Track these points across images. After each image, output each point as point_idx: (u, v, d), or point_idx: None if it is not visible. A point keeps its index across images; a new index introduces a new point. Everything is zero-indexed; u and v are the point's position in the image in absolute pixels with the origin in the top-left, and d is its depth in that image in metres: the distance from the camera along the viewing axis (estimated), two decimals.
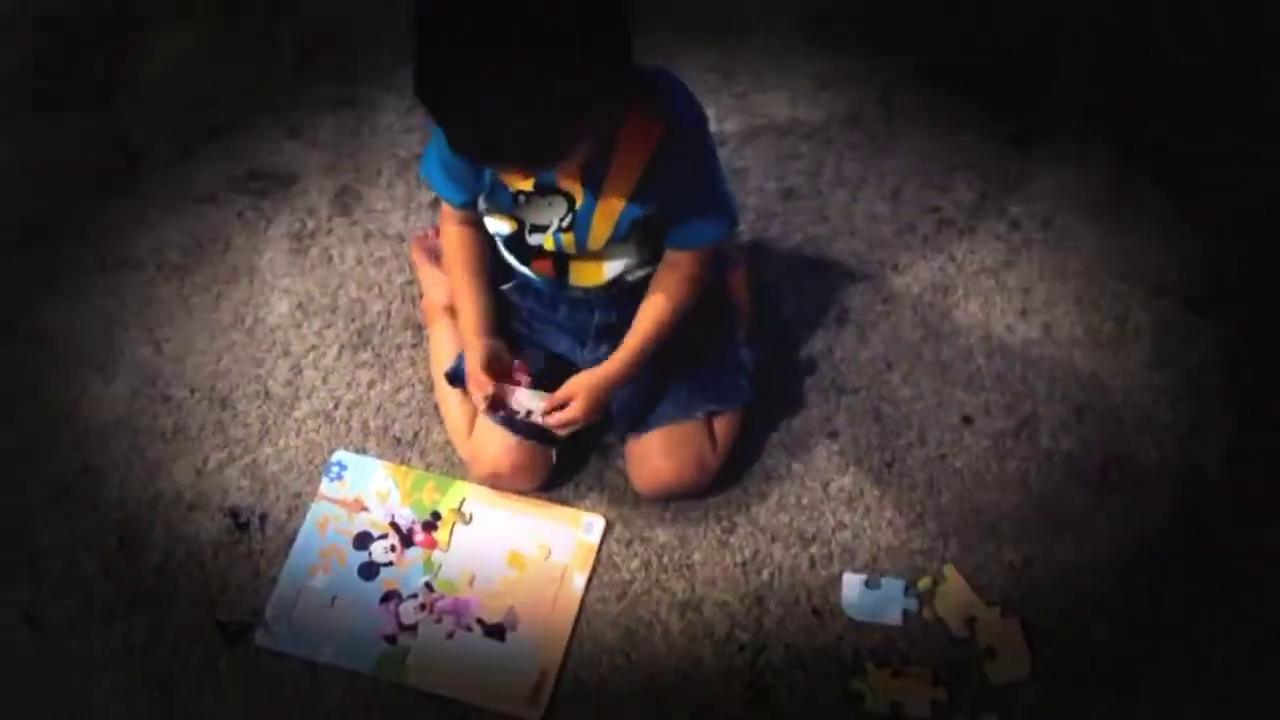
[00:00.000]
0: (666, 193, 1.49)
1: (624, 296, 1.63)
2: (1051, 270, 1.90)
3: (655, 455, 1.67)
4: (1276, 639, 1.58)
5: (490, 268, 1.67)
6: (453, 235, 1.66)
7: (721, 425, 1.71)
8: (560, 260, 1.60)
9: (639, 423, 1.69)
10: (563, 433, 1.61)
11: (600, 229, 1.52)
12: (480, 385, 1.58)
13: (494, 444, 1.67)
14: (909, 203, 1.98)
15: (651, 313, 1.59)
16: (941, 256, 1.92)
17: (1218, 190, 1.98)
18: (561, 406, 1.58)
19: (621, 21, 1.29)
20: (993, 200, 1.97)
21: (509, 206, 1.54)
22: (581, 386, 1.57)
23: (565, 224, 1.52)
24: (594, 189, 1.48)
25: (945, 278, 1.90)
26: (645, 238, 1.56)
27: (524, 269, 1.65)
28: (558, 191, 1.49)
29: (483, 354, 1.59)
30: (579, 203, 1.50)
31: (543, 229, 1.54)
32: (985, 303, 1.87)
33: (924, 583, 1.64)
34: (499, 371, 1.60)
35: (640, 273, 1.62)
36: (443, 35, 1.24)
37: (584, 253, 1.56)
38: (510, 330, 1.70)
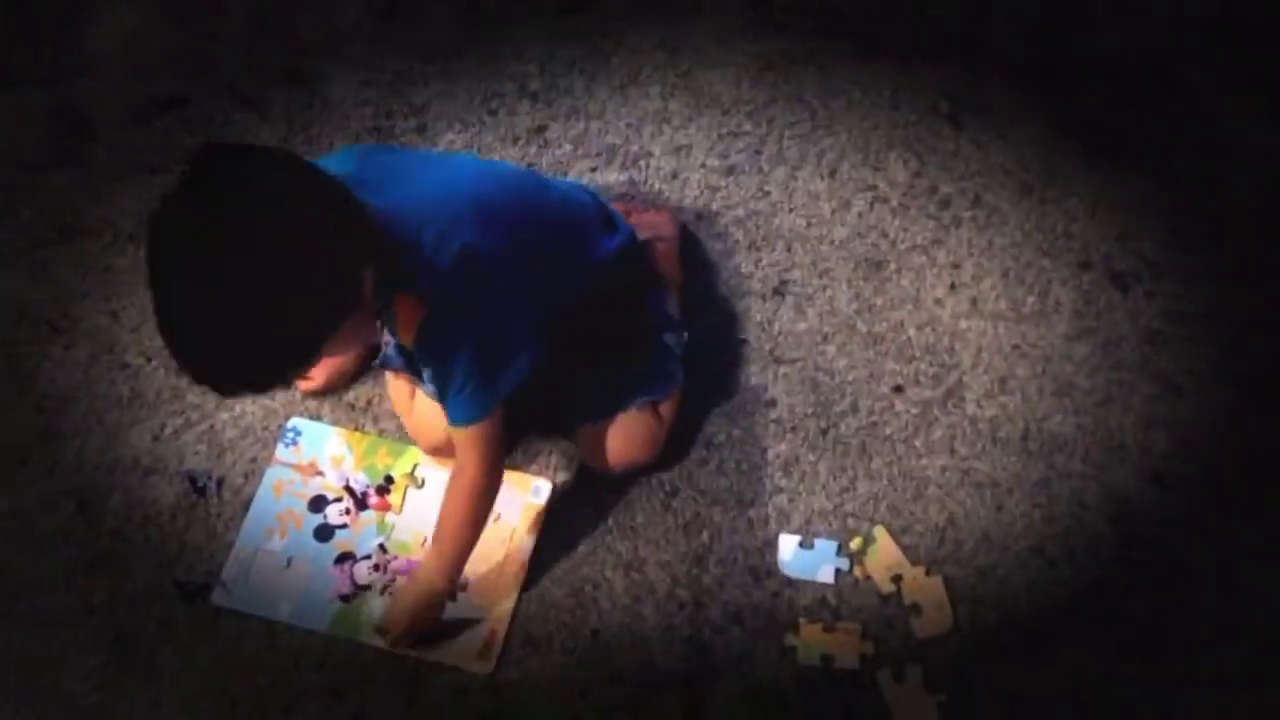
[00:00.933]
0: (431, 364, 1.54)
1: None
2: (979, 246, 1.97)
3: (608, 442, 1.72)
4: (1186, 596, 1.67)
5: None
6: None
7: (664, 404, 1.76)
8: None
9: (584, 418, 1.74)
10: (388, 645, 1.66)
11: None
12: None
13: (435, 420, 1.69)
14: (846, 181, 2.04)
15: (445, 528, 1.61)
16: (875, 233, 1.98)
17: (1144, 169, 2.04)
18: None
19: (350, 261, 1.29)
20: (925, 179, 2.03)
21: None
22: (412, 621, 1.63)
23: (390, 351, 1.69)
24: (390, 327, 1.52)
25: (879, 253, 1.97)
26: None
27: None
28: None
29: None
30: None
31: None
32: (916, 277, 1.94)
33: (855, 543, 1.72)
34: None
35: None
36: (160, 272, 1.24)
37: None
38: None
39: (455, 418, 1.53)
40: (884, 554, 1.71)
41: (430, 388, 1.63)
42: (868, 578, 1.70)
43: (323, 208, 1.28)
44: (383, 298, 1.39)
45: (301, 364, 1.31)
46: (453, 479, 1.59)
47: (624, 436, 1.72)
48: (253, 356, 1.25)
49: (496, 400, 1.52)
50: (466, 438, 1.54)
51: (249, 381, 1.29)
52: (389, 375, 1.79)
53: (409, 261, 1.40)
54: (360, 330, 1.40)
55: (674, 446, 1.79)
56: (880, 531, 1.73)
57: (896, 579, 1.69)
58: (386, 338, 1.70)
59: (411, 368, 1.70)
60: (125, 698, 1.63)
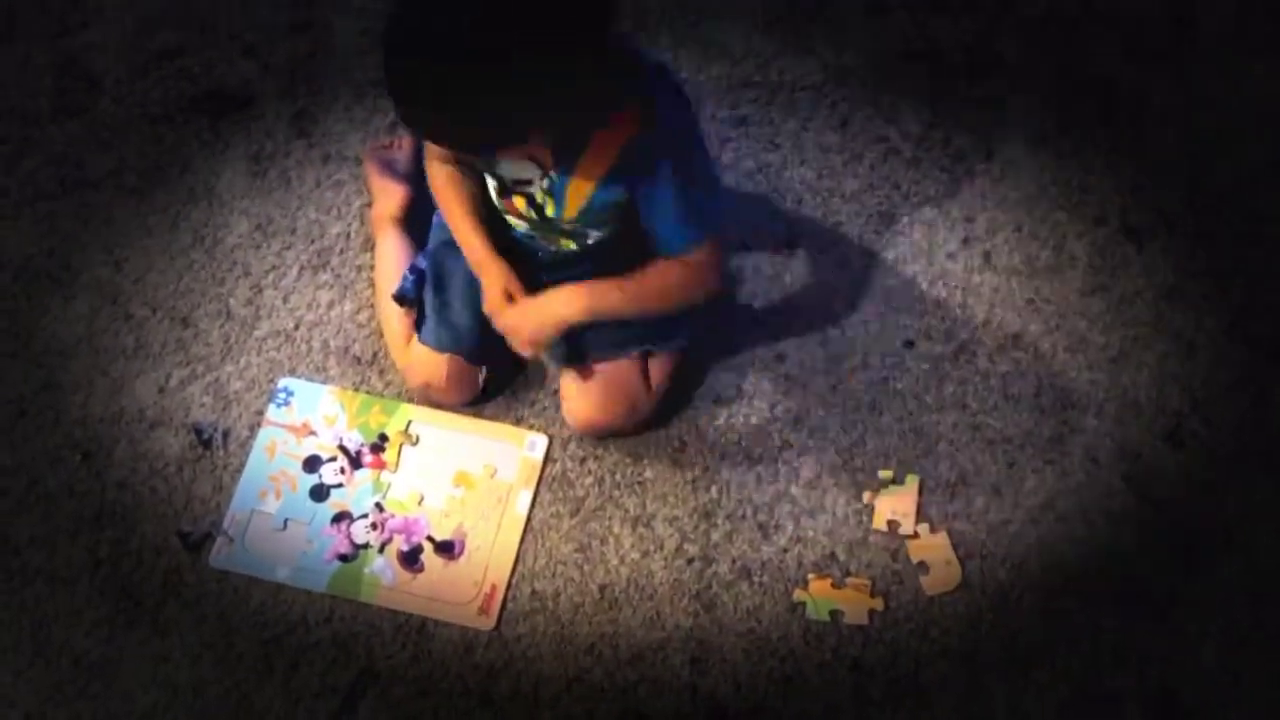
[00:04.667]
0: (636, 190, 1.49)
1: (599, 254, 1.63)
2: (993, 200, 1.95)
3: (586, 393, 1.71)
4: (1198, 555, 1.66)
5: (480, 199, 1.66)
6: (440, 174, 1.64)
7: (656, 367, 1.74)
8: (539, 218, 1.59)
9: (574, 355, 1.70)
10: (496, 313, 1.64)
11: (573, 203, 1.52)
12: (499, 312, 1.61)
13: (427, 357, 1.72)
14: (858, 133, 2.01)
15: (648, 276, 1.56)
16: (887, 185, 1.96)
17: (1162, 123, 2.01)
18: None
19: (596, 39, 1.30)
20: (939, 131, 2.01)
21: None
22: (533, 309, 1.60)
23: (545, 188, 1.53)
24: (567, 168, 1.48)
25: (891, 206, 1.94)
26: (620, 219, 1.56)
27: (507, 217, 1.65)
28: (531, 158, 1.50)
29: (501, 277, 1.61)
30: (553, 175, 1.50)
31: (526, 183, 1.54)
32: (929, 231, 1.92)
33: (885, 474, 1.72)
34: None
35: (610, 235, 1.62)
36: (412, 17, 1.25)
37: (560, 220, 1.56)
38: (453, 266, 1.72)
39: (690, 237, 1.51)
40: (901, 498, 1.71)
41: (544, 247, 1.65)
42: (870, 505, 1.70)
43: None
44: (607, 103, 1.40)
45: (493, 138, 1.34)
46: (669, 273, 1.55)
47: (605, 392, 1.70)
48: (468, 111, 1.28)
49: (718, 217, 1.54)
50: (705, 256, 1.53)
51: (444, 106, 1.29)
52: (386, 314, 1.79)
53: (636, 72, 1.43)
54: (561, 127, 1.41)
55: (682, 401, 1.78)
56: (913, 479, 1.72)
57: (892, 524, 1.69)
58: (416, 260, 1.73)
59: (418, 309, 1.72)
60: (132, 651, 1.63)
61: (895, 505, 1.70)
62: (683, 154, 1.48)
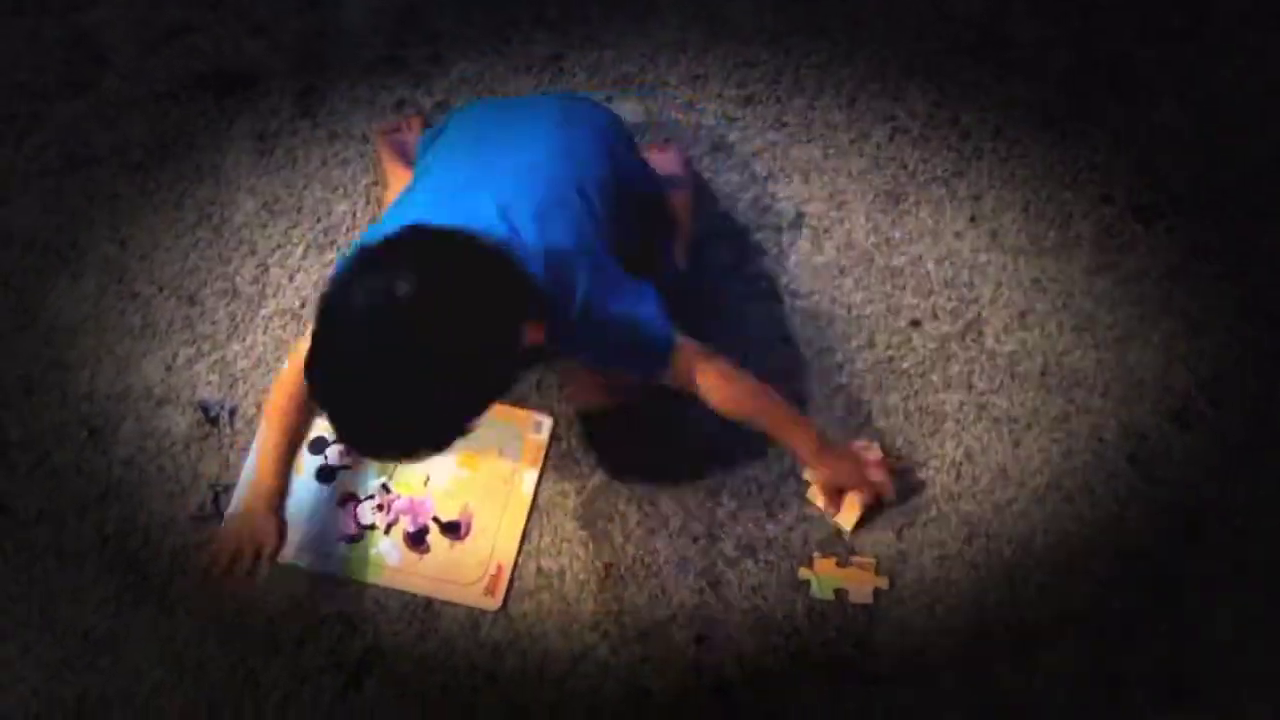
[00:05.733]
0: (580, 349, 1.52)
1: None
2: (1000, 178, 1.94)
3: (583, 375, 1.72)
4: (1203, 534, 1.66)
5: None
6: (281, 396, 1.59)
7: None
8: None
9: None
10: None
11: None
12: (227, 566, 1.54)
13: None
14: (865, 111, 2.01)
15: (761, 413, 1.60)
16: (894, 164, 1.95)
17: (1170, 102, 2.00)
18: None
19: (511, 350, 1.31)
20: (946, 109, 2.00)
21: None
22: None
23: None
24: None
25: (898, 185, 1.94)
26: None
27: None
28: None
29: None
30: None
31: None
32: (936, 210, 1.91)
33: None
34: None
35: None
36: (331, 350, 1.25)
37: None
38: None
39: (656, 366, 1.51)
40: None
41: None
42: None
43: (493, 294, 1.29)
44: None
45: (468, 428, 1.31)
46: (713, 394, 1.55)
47: (599, 375, 1.71)
48: (418, 435, 1.29)
49: (667, 323, 1.50)
50: (684, 361, 1.52)
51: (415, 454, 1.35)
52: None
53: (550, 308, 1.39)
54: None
55: None
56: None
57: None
58: None
59: None
60: (138, 627, 1.63)
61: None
62: (605, 325, 1.45)
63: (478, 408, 1.30)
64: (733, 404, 1.56)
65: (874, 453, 1.66)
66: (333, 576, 1.66)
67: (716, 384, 1.54)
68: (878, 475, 1.64)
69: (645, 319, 1.49)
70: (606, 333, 1.45)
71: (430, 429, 1.29)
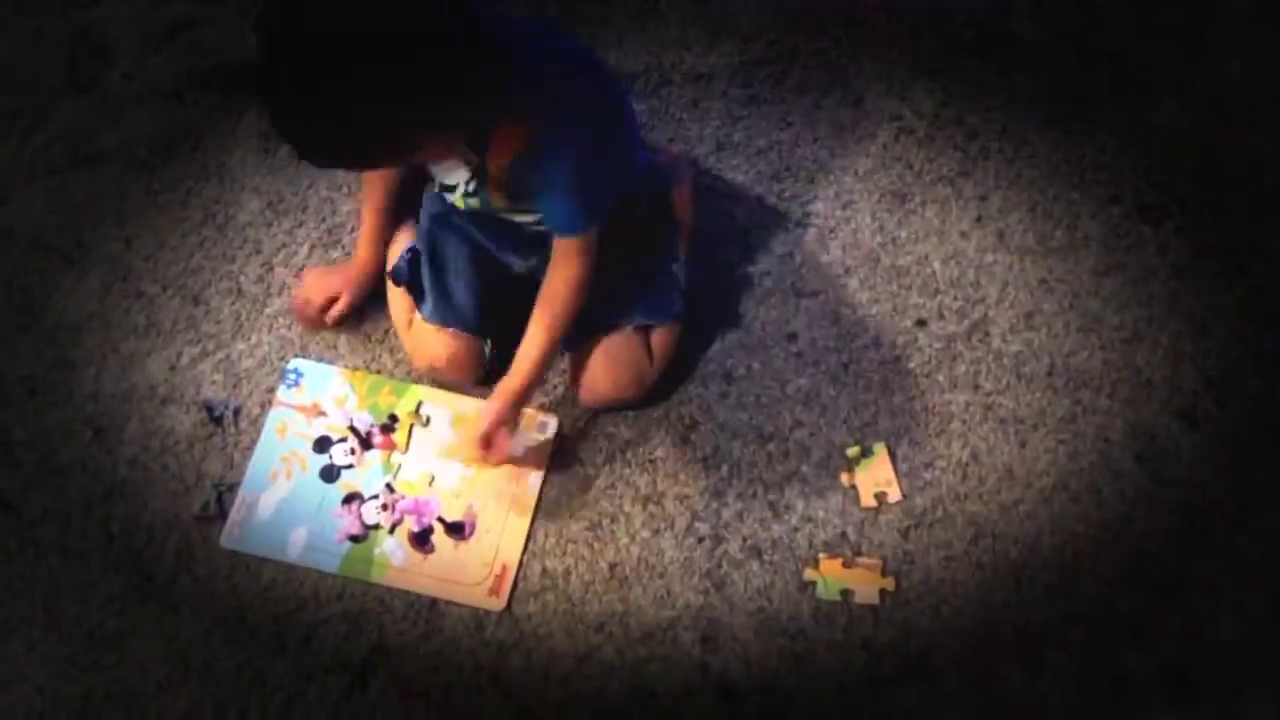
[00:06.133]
0: (535, 182, 1.53)
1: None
2: (1007, 178, 1.93)
3: (593, 367, 1.71)
4: (1211, 534, 1.65)
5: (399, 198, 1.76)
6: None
7: (658, 339, 1.74)
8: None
9: (578, 334, 1.70)
10: (498, 463, 1.68)
11: (495, 199, 1.57)
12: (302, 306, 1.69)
13: (431, 337, 1.72)
14: (871, 111, 2.00)
15: (539, 328, 1.62)
16: (900, 164, 1.95)
17: (1177, 101, 2.00)
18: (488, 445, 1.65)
19: (462, 60, 1.28)
20: (952, 109, 1.99)
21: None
22: (495, 420, 1.63)
23: (470, 189, 1.57)
24: (480, 169, 1.52)
25: (903, 185, 1.93)
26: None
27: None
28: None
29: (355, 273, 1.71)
30: (472, 174, 1.55)
31: (451, 189, 1.60)
32: (942, 210, 1.91)
33: (852, 451, 1.72)
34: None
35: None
36: (277, 39, 1.24)
37: (493, 210, 1.62)
38: (445, 242, 1.74)
39: (567, 228, 1.55)
40: (876, 469, 1.71)
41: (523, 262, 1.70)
42: (852, 486, 1.70)
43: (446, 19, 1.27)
44: (486, 119, 1.43)
45: (386, 161, 1.36)
46: (555, 277, 1.60)
47: (611, 364, 1.71)
48: (351, 140, 1.28)
49: (600, 212, 1.55)
50: (575, 246, 1.57)
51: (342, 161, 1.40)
52: (391, 296, 1.79)
53: (518, 83, 1.39)
54: (450, 148, 1.46)
55: (693, 380, 1.78)
56: (880, 448, 1.72)
57: (880, 496, 1.69)
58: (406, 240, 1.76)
59: (415, 288, 1.73)
60: (144, 626, 1.63)
61: (875, 477, 1.70)
62: (570, 148, 1.48)
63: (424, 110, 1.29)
64: (548, 300, 1.60)
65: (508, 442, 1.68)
66: (337, 576, 1.66)
67: (562, 280, 1.59)
68: (499, 443, 1.65)
69: (590, 184, 1.52)
70: (561, 152, 1.47)
71: (380, 125, 1.27)
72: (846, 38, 2.07)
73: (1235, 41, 2.05)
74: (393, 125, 1.28)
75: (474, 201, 1.60)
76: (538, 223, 1.61)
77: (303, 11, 1.22)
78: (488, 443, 1.64)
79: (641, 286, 1.73)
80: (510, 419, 1.66)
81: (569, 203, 1.52)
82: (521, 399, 1.65)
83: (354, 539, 1.69)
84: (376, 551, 1.68)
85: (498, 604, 1.64)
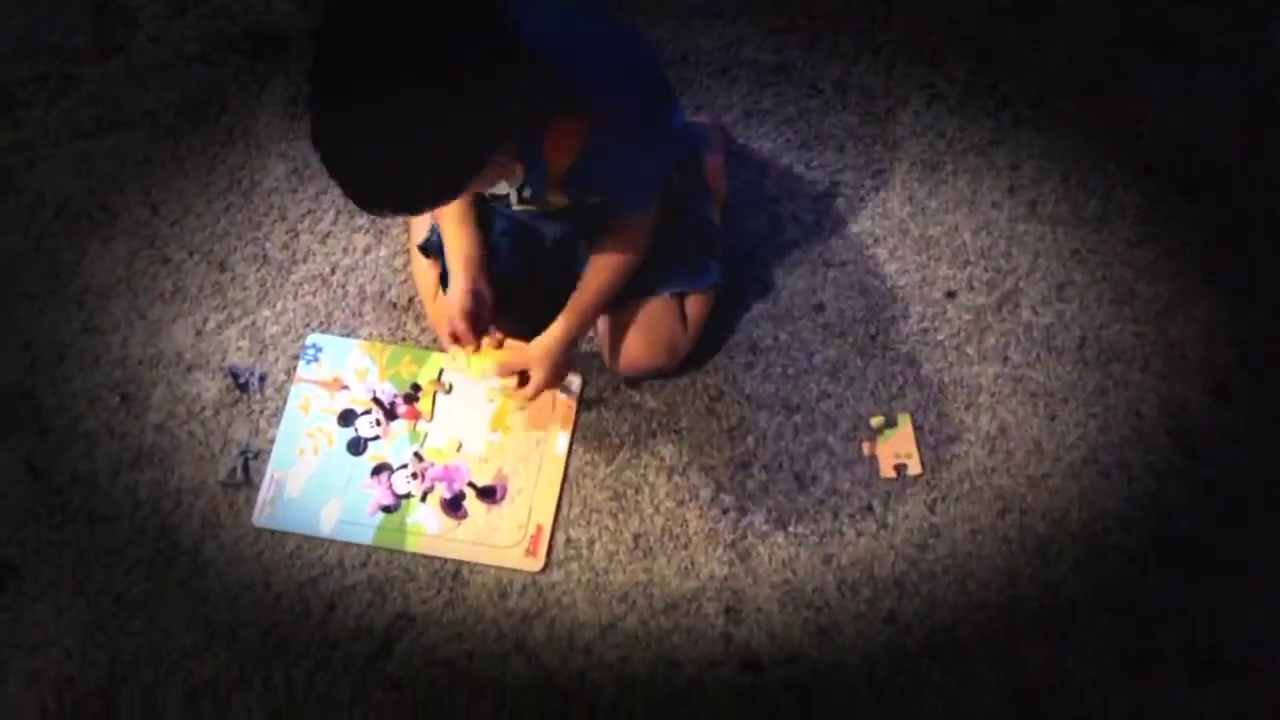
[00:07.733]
0: (599, 174, 1.49)
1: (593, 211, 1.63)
2: (1040, 148, 1.90)
3: (628, 335, 1.70)
4: (1242, 512, 1.64)
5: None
6: None
7: (692, 307, 1.73)
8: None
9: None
10: (530, 399, 1.63)
11: (556, 198, 1.53)
12: (450, 325, 1.59)
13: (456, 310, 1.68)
14: (902, 78, 1.97)
15: (595, 278, 1.60)
16: (932, 133, 1.92)
17: (1215, 72, 1.96)
18: (525, 378, 1.59)
19: (510, 80, 1.24)
20: (985, 77, 1.96)
21: None
22: (538, 356, 1.59)
23: (525, 194, 1.51)
24: (537, 172, 1.46)
25: (935, 154, 1.91)
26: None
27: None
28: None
29: (463, 297, 1.59)
30: (525, 180, 1.49)
31: (501, 198, 1.54)
32: (973, 179, 1.88)
33: (876, 420, 1.71)
34: (477, 307, 1.60)
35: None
36: (329, 81, 1.19)
37: (547, 209, 1.58)
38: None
39: (641, 207, 1.56)
40: (899, 441, 1.70)
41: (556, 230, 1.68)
42: (873, 456, 1.69)
43: (481, 46, 1.23)
44: (538, 122, 1.38)
45: (451, 194, 1.30)
46: (611, 256, 1.59)
47: (646, 332, 1.69)
48: (408, 184, 1.24)
49: (664, 181, 1.57)
50: (640, 227, 1.57)
51: (401, 208, 1.30)
52: (417, 265, 1.77)
53: (566, 84, 1.36)
54: (503, 168, 1.40)
55: (719, 350, 1.77)
56: (905, 419, 1.71)
57: (899, 468, 1.68)
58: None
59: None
60: (170, 590, 1.65)
61: (896, 449, 1.69)
62: (632, 132, 1.45)
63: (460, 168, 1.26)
64: (603, 262, 1.59)
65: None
66: (369, 547, 1.66)
67: (628, 242, 1.58)
68: (545, 377, 1.60)
69: (653, 158, 1.53)
70: (629, 139, 1.46)
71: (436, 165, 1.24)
72: (880, 1, 2.03)
73: (1275, 6, 2.01)
74: (461, 146, 1.24)
75: (531, 206, 1.55)
76: (587, 205, 1.59)
77: (350, 65, 1.18)
78: (524, 378, 1.61)
79: (678, 254, 1.72)
80: (557, 356, 1.60)
81: (637, 183, 1.52)
82: (574, 336, 1.61)
83: (386, 509, 1.69)
84: (409, 520, 1.68)
85: (535, 564, 1.64)
